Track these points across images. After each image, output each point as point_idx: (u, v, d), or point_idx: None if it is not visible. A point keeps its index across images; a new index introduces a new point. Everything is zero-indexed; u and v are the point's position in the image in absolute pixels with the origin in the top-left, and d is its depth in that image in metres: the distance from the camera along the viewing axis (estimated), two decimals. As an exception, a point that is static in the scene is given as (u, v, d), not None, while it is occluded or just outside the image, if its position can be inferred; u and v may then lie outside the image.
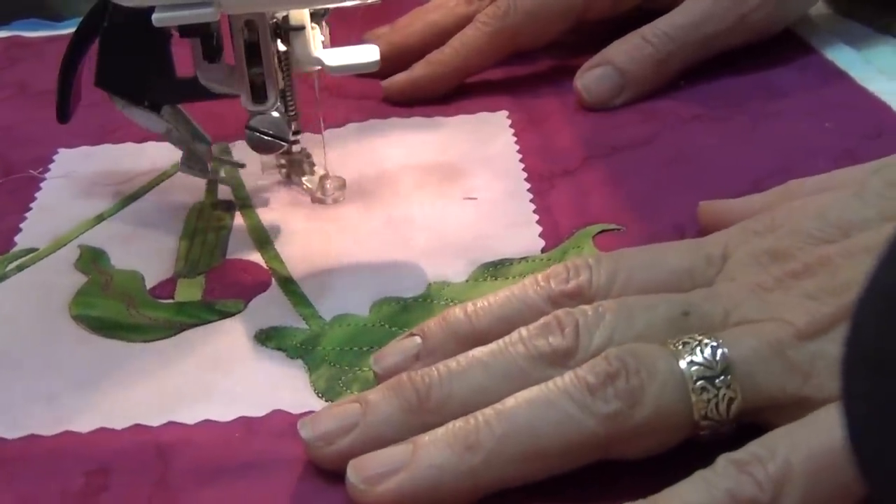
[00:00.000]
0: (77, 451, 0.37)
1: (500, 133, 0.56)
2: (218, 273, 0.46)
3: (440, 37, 0.60)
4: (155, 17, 0.43)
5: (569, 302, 0.37)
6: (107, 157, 0.56)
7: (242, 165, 0.52)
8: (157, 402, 0.39)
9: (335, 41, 0.48)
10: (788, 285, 0.35)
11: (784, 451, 0.31)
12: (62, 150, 0.57)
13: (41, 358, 0.42)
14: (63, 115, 0.50)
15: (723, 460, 0.31)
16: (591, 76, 0.57)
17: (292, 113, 0.48)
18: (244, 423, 0.38)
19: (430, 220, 0.49)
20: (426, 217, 0.49)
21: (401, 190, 0.52)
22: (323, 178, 0.51)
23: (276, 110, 0.46)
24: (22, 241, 0.49)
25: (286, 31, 0.46)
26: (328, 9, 0.47)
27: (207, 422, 0.38)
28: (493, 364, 0.35)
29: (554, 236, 0.47)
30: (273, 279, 0.46)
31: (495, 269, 0.45)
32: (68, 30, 0.68)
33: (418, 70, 0.59)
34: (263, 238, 0.49)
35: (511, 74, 0.61)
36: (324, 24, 0.48)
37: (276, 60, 0.46)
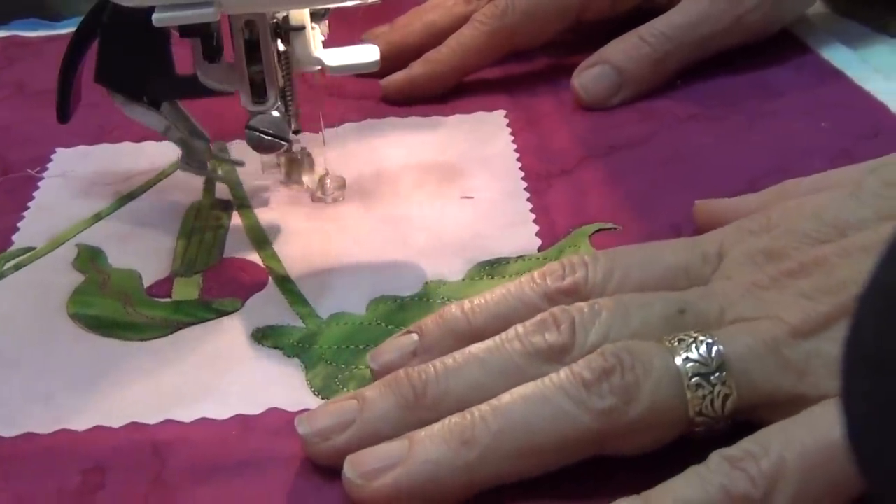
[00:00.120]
0: (74, 450, 0.37)
1: (498, 132, 0.56)
2: (215, 272, 0.47)
3: (438, 36, 0.60)
4: (155, 17, 0.43)
5: (565, 299, 0.38)
6: (105, 157, 0.56)
7: (241, 163, 0.52)
8: (153, 400, 0.39)
9: (335, 41, 0.48)
10: (784, 284, 0.35)
11: (778, 448, 0.31)
12: (60, 150, 0.57)
13: (38, 356, 0.42)
14: (63, 115, 0.50)
15: (716, 456, 0.31)
16: (589, 75, 0.57)
17: (292, 112, 0.48)
18: (241, 421, 0.38)
19: (428, 219, 0.49)
20: (424, 216, 0.49)
21: (399, 189, 0.52)
22: (323, 177, 0.51)
23: (276, 110, 0.47)
24: (19, 240, 0.50)
25: (286, 31, 0.46)
26: (328, 9, 0.47)
27: (204, 420, 0.38)
28: (489, 360, 0.36)
29: (550, 235, 0.47)
30: (270, 278, 0.46)
31: (492, 268, 0.45)
32: (67, 29, 0.68)
33: (416, 69, 0.59)
34: (261, 237, 0.49)
35: (508, 74, 0.61)
36: (324, 22, 0.48)
37: (276, 60, 0.46)
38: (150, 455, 0.37)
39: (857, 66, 0.58)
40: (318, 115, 0.51)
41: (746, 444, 0.32)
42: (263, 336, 0.42)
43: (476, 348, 0.36)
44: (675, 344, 0.34)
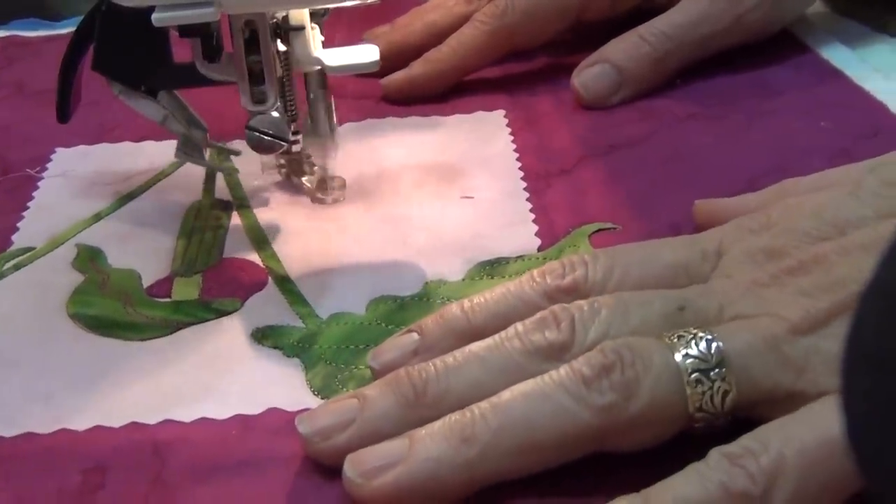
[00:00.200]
0: (74, 449, 0.37)
1: (497, 132, 0.56)
2: (215, 272, 0.47)
3: (439, 36, 0.60)
4: (155, 16, 0.43)
5: (565, 297, 0.38)
6: (104, 157, 0.56)
7: (238, 153, 0.53)
8: (153, 400, 0.40)
9: (335, 41, 0.48)
10: (783, 282, 0.35)
11: (777, 445, 0.31)
12: (60, 150, 0.57)
13: (38, 356, 0.42)
14: (63, 115, 0.50)
15: (715, 453, 0.32)
16: (589, 74, 0.57)
17: (292, 113, 0.48)
18: (240, 420, 0.38)
19: (428, 218, 0.49)
20: (423, 216, 0.49)
21: (399, 189, 0.52)
22: (323, 177, 0.51)
23: (275, 110, 0.47)
24: (19, 240, 0.50)
25: (286, 31, 0.46)
26: (328, 9, 0.47)
27: (204, 420, 0.38)
28: (489, 359, 0.36)
29: (550, 235, 0.47)
30: (270, 278, 0.46)
31: (491, 268, 0.45)
32: (66, 29, 0.68)
33: (416, 68, 0.59)
34: (261, 238, 0.49)
35: (508, 73, 0.62)
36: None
37: (276, 60, 0.46)
38: (150, 455, 0.37)
39: (856, 65, 0.58)
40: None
41: (746, 440, 0.32)
42: (263, 336, 0.43)
43: (476, 347, 0.36)
44: (675, 340, 0.34)
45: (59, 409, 0.39)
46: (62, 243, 0.49)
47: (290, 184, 0.52)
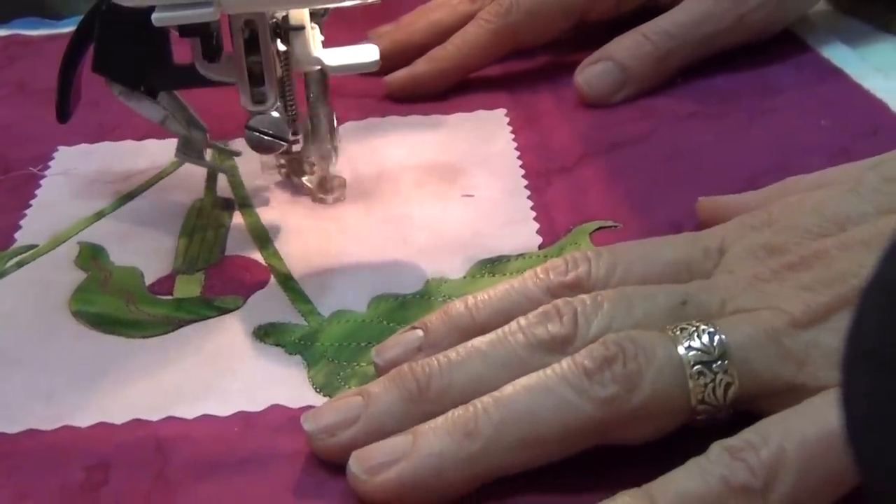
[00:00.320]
0: (77, 446, 0.38)
1: (499, 131, 0.56)
2: (217, 270, 0.47)
3: (443, 35, 0.61)
4: (155, 16, 0.43)
5: (568, 293, 0.38)
6: (106, 155, 0.56)
7: (238, 153, 0.53)
8: (156, 397, 0.40)
9: (335, 41, 0.48)
10: (785, 277, 0.35)
11: (777, 438, 0.31)
12: (62, 148, 0.57)
13: (41, 353, 0.42)
14: (63, 114, 0.50)
15: (716, 447, 0.32)
16: (593, 72, 0.57)
17: (292, 113, 0.48)
18: (243, 417, 0.38)
19: (429, 217, 0.49)
20: (424, 215, 0.50)
21: (400, 188, 0.52)
22: (323, 177, 0.51)
23: (275, 110, 0.47)
24: (21, 237, 0.50)
25: (286, 30, 0.46)
26: (328, 9, 0.47)
27: (206, 417, 0.39)
28: (492, 353, 0.36)
29: (551, 233, 0.47)
30: (272, 276, 0.46)
31: (493, 266, 0.46)
32: (68, 28, 0.68)
33: (420, 66, 0.59)
34: (262, 236, 0.49)
35: (509, 71, 0.62)
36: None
37: (276, 60, 0.46)
38: (152, 451, 0.37)
39: (856, 64, 0.58)
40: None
41: (747, 434, 0.32)
42: (265, 333, 0.43)
43: (479, 341, 0.36)
44: (678, 333, 0.34)
45: (62, 405, 0.39)
46: (64, 241, 0.49)
47: (290, 183, 0.52)
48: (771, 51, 0.59)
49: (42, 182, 0.54)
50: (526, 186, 0.51)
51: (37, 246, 0.49)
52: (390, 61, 0.59)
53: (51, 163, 0.56)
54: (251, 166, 0.52)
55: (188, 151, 0.50)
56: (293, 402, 0.39)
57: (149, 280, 0.46)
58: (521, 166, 0.53)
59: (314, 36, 0.47)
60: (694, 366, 0.34)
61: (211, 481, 0.36)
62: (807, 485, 0.31)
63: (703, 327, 0.34)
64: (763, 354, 0.34)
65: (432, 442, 0.34)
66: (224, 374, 0.41)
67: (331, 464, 0.36)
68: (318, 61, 0.47)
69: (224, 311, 0.44)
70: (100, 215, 0.51)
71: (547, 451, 0.34)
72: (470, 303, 0.39)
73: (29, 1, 0.74)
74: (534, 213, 0.49)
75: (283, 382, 0.40)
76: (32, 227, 0.50)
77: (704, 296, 0.36)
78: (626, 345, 0.34)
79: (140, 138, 0.57)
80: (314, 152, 0.49)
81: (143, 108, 0.48)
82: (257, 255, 0.47)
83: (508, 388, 0.34)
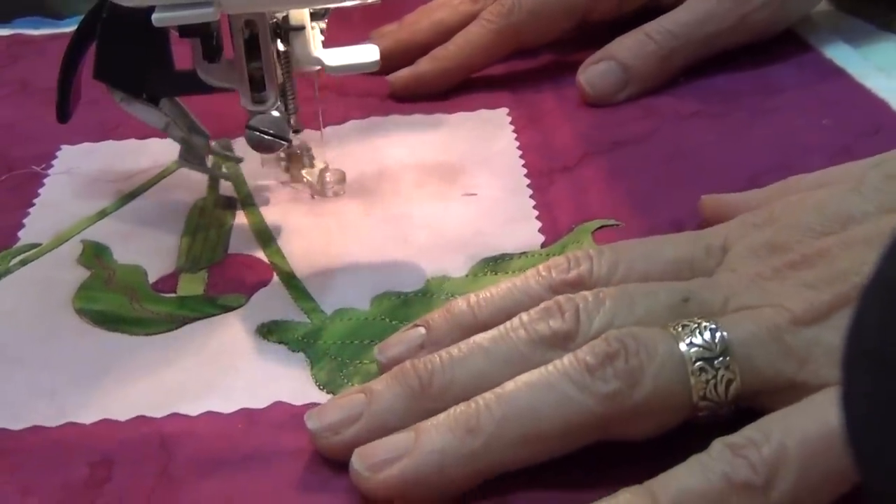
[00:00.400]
0: (80, 443, 0.38)
1: (501, 130, 0.56)
2: (220, 268, 0.47)
3: (446, 34, 0.61)
4: (155, 17, 0.43)
5: (570, 291, 0.38)
6: (109, 154, 0.56)
7: (240, 160, 0.53)
8: (159, 394, 0.40)
9: (335, 41, 0.48)
10: (787, 275, 0.35)
11: (779, 435, 0.31)
12: (65, 147, 0.57)
13: (45, 351, 0.42)
14: (63, 114, 0.50)
15: (718, 444, 0.32)
16: (595, 71, 0.57)
17: (292, 112, 0.48)
18: (246, 414, 0.39)
19: (431, 216, 0.49)
20: (426, 213, 0.50)
21: (401, 187, 0.52)
22: (322, 171, 0.51)
23: (275, 109, 0.47)
24: (25, 236, 0.50)
25: (286, 30, 0.46)
26: (328, 8, 0.47)
27: (210, 413, 0.39)
28: (494, 349, 0.36)
29: (553, 232, 0.47)
30: (275, 274, 0.46)
31: (495, 264, 0.46)
32: (70, 27, 0.68)
33: (423, 65, 0.60)
34: (265, 235, 0.49)
35: (511, 71, 0.62)
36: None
37: (276, 60, 0.46)
38: (156, 448, 0.37)
39: (858, 63, 0.58)
40: (318, 112, 0.51)
41: (748, 431, 0.32)
42: (268, 331, 0.43)
43: (481, 338, 0.36)
44: (680, 330, 0.34)
45: (66, 402, 0.40)
46: (68, 240, 0.49)
47: (290, 182, 0.52)
48: (773, 50, 0.60)
49: (45, 181, 0.54)
50: (528, 185, 0.51)
51: (40, 244, 0.49)
52: (393, 61, 0.59)
53: (54, 162, 0.56)
54: (252, 166, 0.52)
55: (190, 158, 0.50)
56: (296, 399, 0.39)
57: (152, 278, 0.46)
58: (523, 165, 0.53)
59: (314, 36, 0.47)
60: (696, 362, 0.34)
61: (214, 478, 0.36)
62: (808, 482, 0.31)
63: (704, 324, 0.34)
64: (765, 351, 0.34)
65: (434, 438, 0.34)
66: (227, 372, 0.41)
67: (334, 461, 0.36)
68: (318, 61, 0.47)
69: (227, 308, 0.44)
70: (103, 214, 0.51)
71: (549, 447, 0.34)
72: (472, 301, 0.39)
73: (29, 1, 0.74)
74: (536, 212, 0.49)
75: (286, 380, 0.40)
76: (36, 225, 0.51)
77: (707, 293, 0.36)
78: (628, 341, 0.34)
79: (143, 137, 0.57)
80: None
81: (144, 114, 0.49)
82: (260, 254, 0.48)
83: (510, 385, 0.34)
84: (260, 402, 0.39)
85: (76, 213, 0.51)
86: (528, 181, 0.51)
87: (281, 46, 0.46)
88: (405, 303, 0.44)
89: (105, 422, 0.39)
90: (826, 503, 0.32)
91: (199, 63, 0.46)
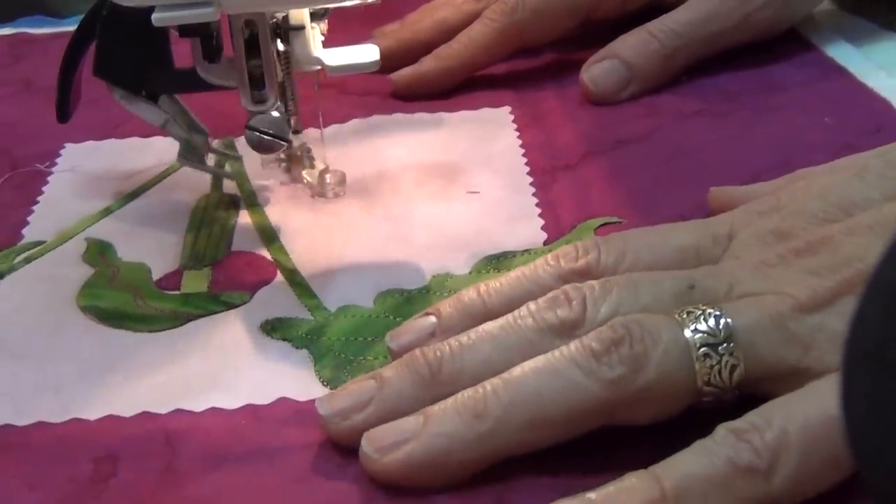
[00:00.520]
0: (85, 438, 0.38)
1: (503, 129, 0.56)
2: (224, 265, 0.47)
3: (449, 33, 0.61)
4: (155, 16, 0.43)
5: (578, 280, 0.38)
6: (113, 152, 0.56)
7: (239, 157, 0.53)
8: (164, 390, 0.40)
9: (335, 41, 0.48)
10: (791, 262, 0.36)
11: (781, 420, 0.32)
12: (68, 145, 0.57)
13: (49, 348, 0.43)
14: (63, 114, 0.50)
15: (722, 429, 0.32)
16: (598, 69, 0.58)
17: (292, 113, 0.48)
18: (250, 410, 0.39)
19: (433, 214, 0.50)
20: (429, 212, 0.50)
21: (404, 185, 0.52)
22: (323, 171, 0.51)
23: (275, 110, 0.47)
24: (29, 233, 0.50)
25: (286, 30, 0.46)
26: (328, 9, 0.48)
27: (214, 409, 0.39)
28: (502, 337, 0.36)
29: (555, 230, 0.47)
30: (278, 271, 0.46)
31: (497, 262, 0.46)
32: (73, 26, 0.68)
33: (426, 64, 0.60)
34: (269, 232, 0.49)
35: (514, 70, 0.62)
36: (324, 22, 0.48)
37: (276, 60, 0.46)
38: (161, 444, 0.37)
39: (860, 62, 0.58)
40: (318, 111, 0.51)
41: (751, 416, 0.32)
42: (272, 328, 0.43)
43: (490, 326, 0.37)
44: (684, 316, 0.35)
45: (71, 399, 0.40)
46: (72, 237, 0.49)
47: (290, 182, 0.52)
48: (775, 49, 0.60)
49: (49, 179, 0.54)
50: (531, 184, 0.51)
51: (44, 242, 0.49)
52: (396, 59, 0.60)
53: (58, 160, 0.56)
54: (252, 163, 0.53)
55: (190, 156, 0.50)
56: (300, 395, 0.39)
57: (156, 275, 0.46)
58: (525, 164, 0.53)
59: (314, 36, 0.47)
60: (700, 348, 0.34)
61: (219, 473, 0.36)
62: (809, 467, 0.31)
63: (709, 311, 0.35)
64: (768, 338, 0.34)
65: (442, 422, 0.34)
66: (231, 368, 0.41)
67: (338, 457, 0.36)
68: (318, 61, 0.47)
69: (231, 305, 0.44)
70: (107, 212, 0.51)
71: (555, 431, 0.34)
72: (482, 289, 0.39)
73: (29, 1, 0.74)
74: (538, 210, 0.49)
75: (289, 376, 0.40)
76: (40, 223, 0.51)
77: (711, 281, 0.37)
78: (633, 327, 0.34)
79: (146, 135, 0.57)
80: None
81: (144, 112, 0.49)
82: (263, 251, 0.48)
83: (517, 370, 0.35)
84: (264, 398, 0.39)
85: (80, 211, 0.51)
86: (530, 179, 0.51)
87: (281, 46, 0.46)
88: (408, 300, 0.44)
89: (110, 418, 0.39)
90: (827, 487, 0.32)
91: (199, 63, 0.46)
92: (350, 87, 0.60)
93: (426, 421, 0.34)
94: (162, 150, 0.55)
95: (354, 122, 0.58)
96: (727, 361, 0.34)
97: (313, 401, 0.37)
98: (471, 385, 0.35)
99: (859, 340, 0.22)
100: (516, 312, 0.37)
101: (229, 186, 0.53)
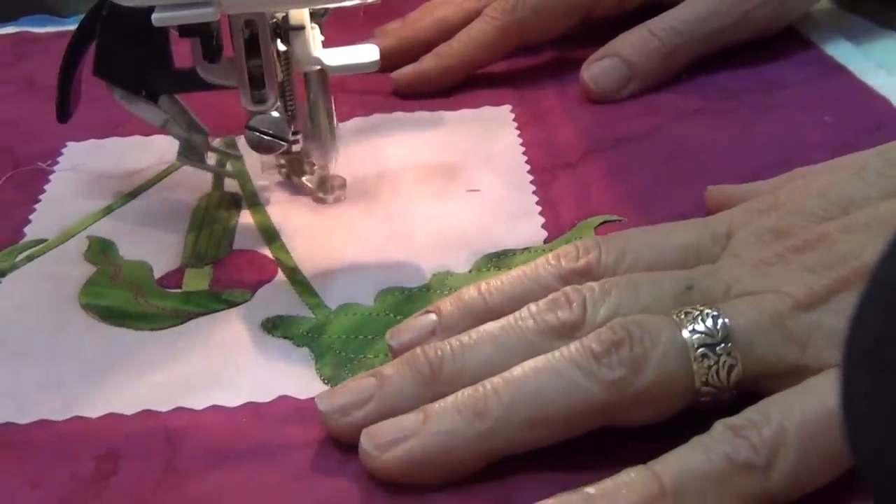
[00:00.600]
0: (87, 436, 0.38)
1: (504, 127, 0.56)
2: (225, 264, 0.47)
3: (449, 32, 0.61)
4: (155, 16, 0.43)
5: (579, 279, 0.38)
6: (115, 150, 0.57)
7: (239, 156, 0.53)
8: (165, 388, 0.40)
9: (335, 41, 0.49)
10: (788, 260, 0.36)
11: (778, 417, 0.32)
12: (70, 144, 0.57)
13: (51, 346, 0.43)
14: (63, 114, 0.50)
15: (720, 425, 0.32)
16: (599, 67, 0.58)
17: (292, 112, 0.49)
18: (251, 408, 0.39)
19: (434, 213, 0.50)
20: (430, 210, 0.50)
21: (404, 184, 0.52)
22: (323, 177, 0.51)
23: (275, 110, 0.47)
24: (31, 232, 0.50)
25: (286, 30, 0.47)
26: (328, 9, 0.48)
27: (215, 407, 0.39)
28: (503, 338, 0.36)
29: (556, 228, 0.48)
30: (279, 270, 0.46)
31: (498, 260, 0.46)
32: (75, 26, 0.69)
33: (427, 63, 0.60)
34: (270, 231, 0.49)
35: (514, 68, 0.62)
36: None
37: (276, 60, 0.46)
38: (162, 442, 0.37)
39: (859, 61, 0.59)
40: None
41: (749, 413, 0.32)
42: (273, 326, 0.43)
43: (491, 326, 0.37)
44: (682, 317, 0.35)
45: (72, 397, 0.40)
46: (73, 236, 0.50)
47: (290, 183, 0.52)
48: (775, 48, 0.60)
49: (51, 177, 0.55)
50: (531, 182, 0.51)
51: (46, 240, 0.49)
52: (397, 58, 0.60)
53: (60, 158, 0.56)
54: (253, 165, 0.53)
55: (190, 155, 0.50)
56: (301, 393, 0.39)
57: (158, 274, 0.47)
58: (526, 162, 0.53)
59: (314, 36, 0.47)
60: (698, 349, 0.34)
61: (220, 471, 0.36)
62: (807, 463, 0.32)
63: (707, 311, 0.35)
64: (766, 338, 0.34)
65: (442, 420, 0.34)
66: (232, 366, 0.41)
67: (338, 454, 0.36)
68: (318, 61, 0.47)
69: (232, 304, 0.44)
70: (108, 210, 0.51)
71: (554, 431, 0.34)
72: (483, 288, 0.39)
73: (29, 1, 0.74)
74: (539, 208, 0.49)
75: (290, 374, 0.40)
76: (42, 221, 0.51)
77: (709, 280, 0.37)
78: (633, 329, 0.34)
79: (147, 134, 0.57)
80: (314, 151, 0.49)
81: (144, 112, 0.49)
82: (265, 250, 0.48)
83: (517, 370, 0.35)
84: (265, 396, 0.39)
85: (82, 210, 0.51)
86: (530, 177, 0.52)
87: (281, 46, 0.47)
88: (409, 298, 0.44)
89: (111, 416, 0.39)
90: (825, 483, 0.32)
91: (199, 62, 0.46)
92: (350, 85, 0.60)
93: (426, 418, 0.34)
94: (163, 148, 0.56)
95: (356, 121, 0.58)
96: (725, 361, 0.34)
97: (314, 399, 0.38)
98: (471, 384, 0.35)
99: (859, 339, 0.22)
100: (517, 313, 0.37)
101: (231, 185, 0.53)
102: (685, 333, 0.34)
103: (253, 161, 0.52)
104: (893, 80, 0.56)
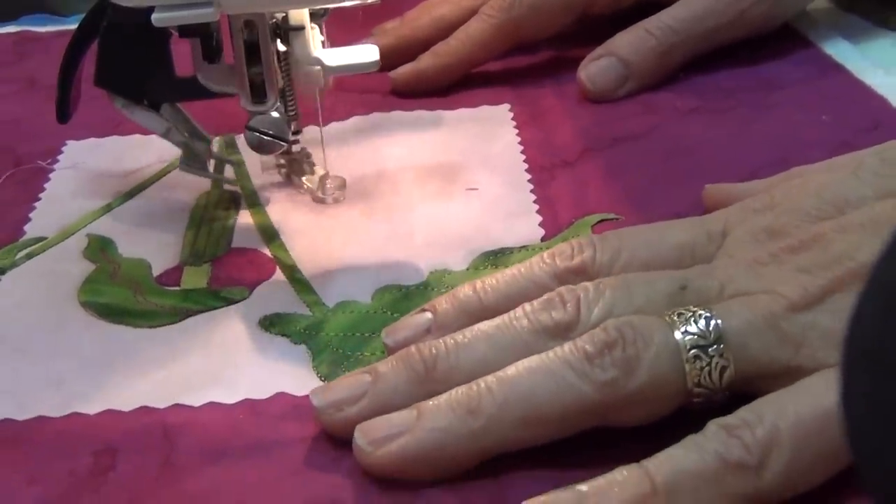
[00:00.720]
0: (85, 432, 0.38)
1: (502, 126, 0.57)
2: (223, 262, 0.47)
3: (447, 30, 0.61)
4: (154, 17, 0.43)
5: (573, 278, 0.38)
6: (114, 149, 0.57)
7: (241, 163, 0.53)
8: (163, 385, 0.40)
9: (335, 41, 0.49)
10: (783, 260, 0.36)
11: (771, 417, 0.32)
12: (70, 142, 0.57)
13: (50, 343, 0.43)
14: (63, 114, 0.50)
15: (713, 425, 0.32)
16: (596, 67, 0.58)
17: (292, 113, 0.49)
18: (249, 405, 0.39)
19: (432, 211, 0.50)
20: (428, 209, 0.50)
21: (403, 183, 0.52)
22: (323, 177, 0.51)
23: (275, 110, 0.47)
24: (31, 230, 0.50)
25: (286, 31, 0.47)
26: (328, 9, 0.48)
27: (212, 404, 0.39)
28: (497, 337, 0.37)
29: (553, 226, 0.48)
30: (277, 268, 0.47)
31: (495, 258, 0.46)
32: (76, 25, 0.69)
33: (424, 61, 0.60)
34: (269, 229, 0.49)
35: (512, 67, 0.62)
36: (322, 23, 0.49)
37: (275, 60, 0.46)
38: (160, 438, 0.38)
39: (857, 59, 0.59)
40: (319, 117, 0.51)
41: (742, 412, 0.33)
42: (271, 323, 0.43)
43: (485, 325, 0.37)
44: (675, 318, 0.35)
45: (71, 393, 0.40)
46: (73, 233, 0.50)
47: (290, 184, 0.52)
48: (772, 46, 0.60)
49: (51, 175, 0.55)
50: (529, 181, 0.51)
51: (46, 238, 0.50)
52: (395, 57, 0.60)
53: (60, 157, 0.56)
54: (251, 167, 0.53)
55: (192, 163, 0.50)
56: (298, 390, 0.39)
57: (156, 271, 0.47)
58: (524, 161, 0.53)
59: (314, 36, 0.47)
60: (690, 350, 0.34)
61: (217, 467, 0.36)
62: (800, 463, 0.32)
63: (699, 312, 0.35)
64: (760, 339, 0.34)
65: (436, 417, 0.34)
66: (230, 364, 0.41)
67: (332, 450, 0.36)
68: (318, 61, 0.47)
69: (230, 301, 0.45)
70: (108, 208, 0.52)
71: (548, 430, 0.35)
72: (478, 287, 0.39)
73: (29, 1, 0.74)
74: (536, 207, 0.49)
75: (288, 371, 0.41)
76: (41, 219, 0.51)
77: (704, 281, 0.37)
78: (626, 330, 0.34)
79: (147, 133, 0.57)
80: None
81: (145, 120, 0.49)
82: (263, 249, 0.48)
83: (511, 369, 0.35)
84: (262, 393, 0.39)
85: (82, 208, 0.52)
86: (528, 176, 0.52)
87: (281, 47, 0.47)
88: (406, 296, 0.44)
89: (109, 412, 0.39)
90: (818, 483, 0.32)
91: (199, 64, 0.47)
92: (349, 84, 0.61)
93: (420, 415, 0.35)
94: (163, 147, 0.55)
95: (355, 120, 0.58)
96: (717, 363, 0.34)
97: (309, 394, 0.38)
98: (464, 383, 0.35)
99: (858, 339, 0.22)
100: (512, 313, 0.37)
101: (231, 184, 0.53)
102: (677, 335, 0.34)
103: (253, 161, 0.53)
104: (891, 80, 0.56)
